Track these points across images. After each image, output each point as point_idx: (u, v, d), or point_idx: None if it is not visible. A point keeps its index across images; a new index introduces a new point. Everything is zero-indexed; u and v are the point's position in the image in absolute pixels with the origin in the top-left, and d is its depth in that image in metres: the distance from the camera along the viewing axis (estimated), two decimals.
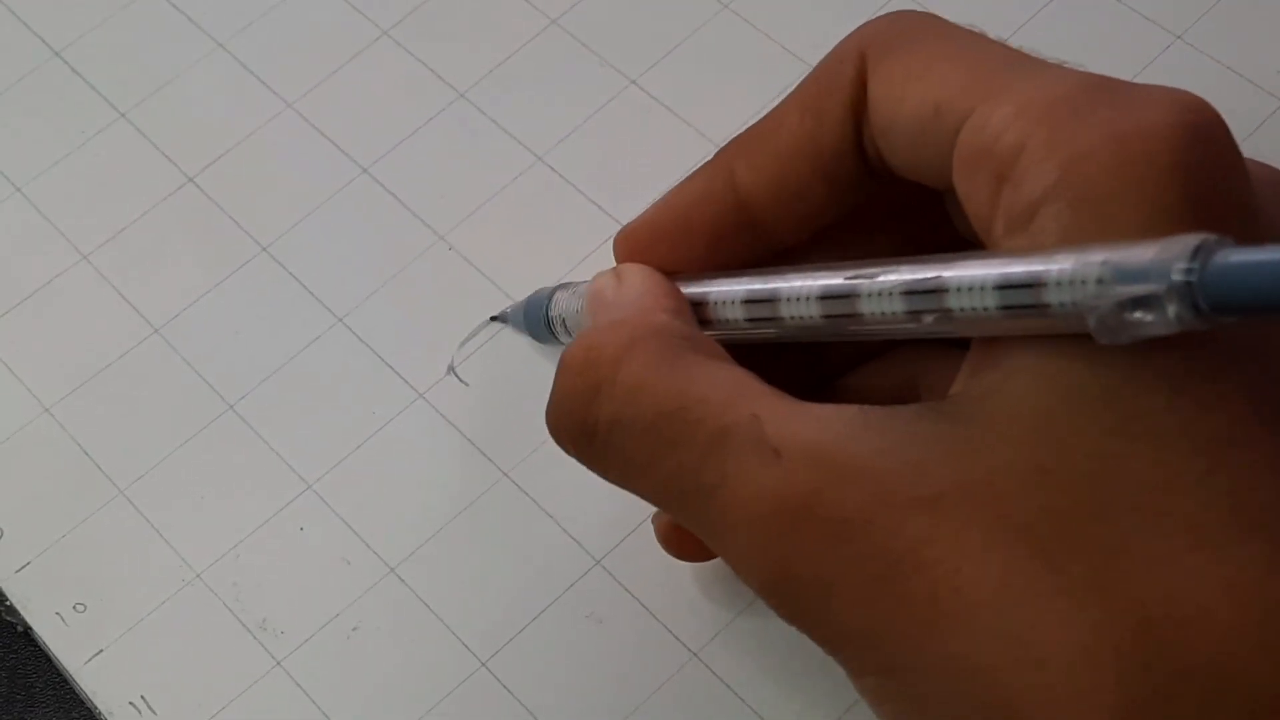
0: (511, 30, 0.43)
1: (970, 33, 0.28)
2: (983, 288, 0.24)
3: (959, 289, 0.24)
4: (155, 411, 0.38)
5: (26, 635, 0.36)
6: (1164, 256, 0.21)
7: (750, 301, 0.29)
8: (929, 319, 0.25)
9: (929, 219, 0.29)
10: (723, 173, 0.30)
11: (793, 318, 0.28)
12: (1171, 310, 0.21)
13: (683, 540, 0.32)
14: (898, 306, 0.26)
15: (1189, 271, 0.21)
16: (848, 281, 0.26)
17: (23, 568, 0.36)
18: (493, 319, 0.38)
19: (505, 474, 0.36)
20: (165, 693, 0.34)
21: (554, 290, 0.35)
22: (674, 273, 0.31)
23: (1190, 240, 0.21)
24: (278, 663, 0.35)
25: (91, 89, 0.43)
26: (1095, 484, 0.23)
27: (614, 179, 0.40)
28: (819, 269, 0.27)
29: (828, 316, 0.27)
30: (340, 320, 0.39)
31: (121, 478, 0.37)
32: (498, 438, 0.37)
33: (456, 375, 0.38)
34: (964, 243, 0.27)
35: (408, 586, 0.35)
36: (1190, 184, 0.23)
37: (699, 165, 0.31)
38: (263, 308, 0.39)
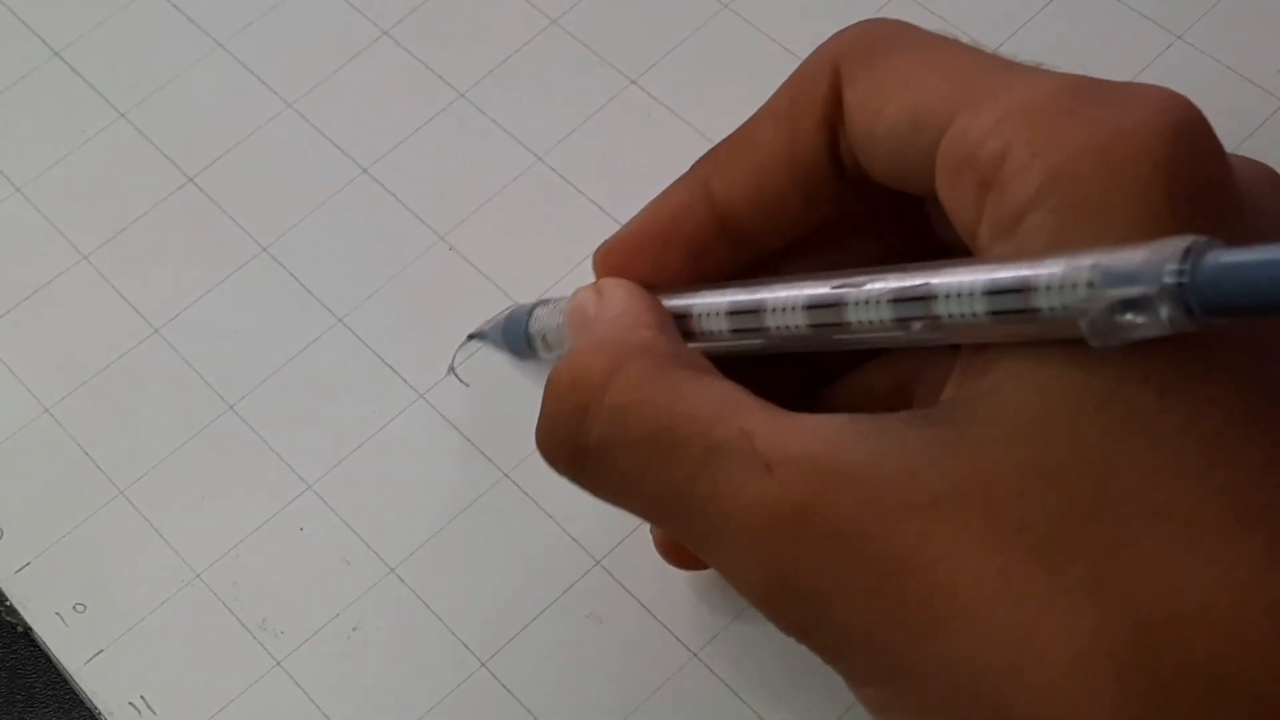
0: (511, 30, 0.43)
1: (945, 39, 0.28)
2: (971, 294, 0.24)
3: (947, 295, 0.24)
4: (155, 411, 0.38)
5: (26, 635, 0.36)
6: (1154, 259, 0.21)
7: (735, 313, 0.29)
8: (917, 326, 0.25)
9: (910, 225, 0.29)
10: (698, 186, 0.30)
11: (779, 328, 0.28)
12: (1164, 312, 0.21)
13: (682, 550, 0.32)
14: (885, 315, 0.25)
15: (1180, 273, 0.21)
16: (834, 291, 0.26)
17: (23, 568, 0.36)
18: (470, 337, 0.38)
19: (505, 474, 0.36)
20: (165, 693, 0.34)
21: (533, 306, 0.35)
22: (655, 287, 0.31)
23: (1180, 242, 0.21)
24: (278, 663, 0.35)
25: (91, 89, 0.43)
26: (1091, 484, 0.23)
27: (614, 179, 0.40)
28: (805, 279, 0.27)
29: (814, 326, 0.27)
30: (340, 320, 0.39)
31: (121, 478, 0.37)
32: (498, 438, 0.37)
33: (456, 375, 0.38)
34: (946, 249, 0.27)
35: (408, 586, 0.35)
36: (1174, 183, 0.23)
37: (675, 179, 0.31)
38: (263, 308, 0.39)
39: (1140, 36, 0.40)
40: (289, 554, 0.36)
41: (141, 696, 0.34)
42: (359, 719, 0.34)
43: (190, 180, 0.41)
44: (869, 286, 0.26)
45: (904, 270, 0.25)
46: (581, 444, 0.27)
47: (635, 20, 0.42)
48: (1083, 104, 0.24)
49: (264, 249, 0.40)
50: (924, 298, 0.25)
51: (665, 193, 0.31)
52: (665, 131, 0.40)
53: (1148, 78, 0.39)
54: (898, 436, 0.24)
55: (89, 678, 0.35)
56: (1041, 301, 0.23)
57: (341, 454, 0.37)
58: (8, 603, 0.36)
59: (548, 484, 0.36)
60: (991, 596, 0.23)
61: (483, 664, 0.34)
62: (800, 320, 0.27)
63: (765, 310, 0.28)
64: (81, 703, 0.35)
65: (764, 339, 0.28)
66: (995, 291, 0.23)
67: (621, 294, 0.30)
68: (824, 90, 0.28)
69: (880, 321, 0.26)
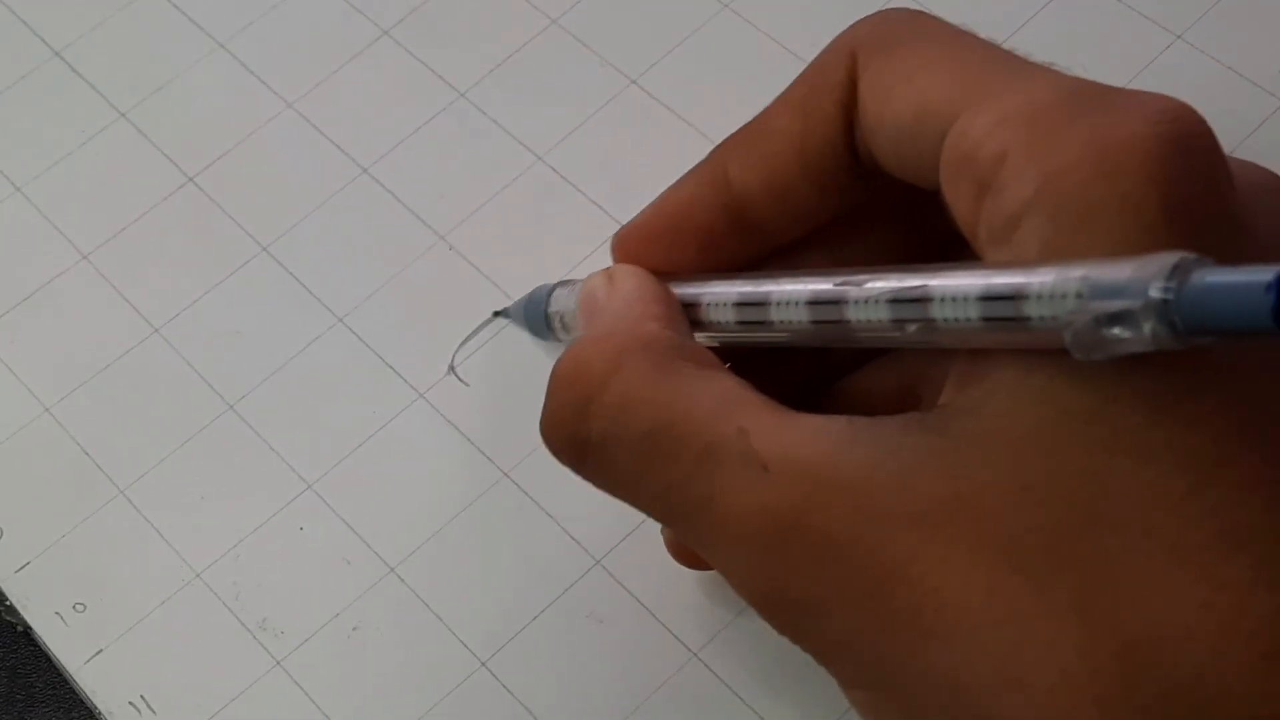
0: (511, 30, 0.43)
1: (960, 33, 0.28)
2: (966, 298, 0.24)
3: (943, 299, 0.24)
4: (155, 411, 0.38)
5: (26, 635, 0.36)
6: (1141, 274, 0.21)
7: (742, 304, 0.29)
8: (912, 328, 0.25)
9: (925, 216, 0.29)
10: (715, 173, 0.30)
11: (782, 322, 0.28)
12: (1147, 328, 0.21)
13: (691, 551, 0.32)
14: (883, 314, 0.25)
15: (1166, 290, 0.21)
16: (836, 288, 0.26)
17: (23, 568, 0.36)
18: (496, 314, 0.38)
19: (505, 474, 0.36)
20: (165, 693, 0.34)
21: (554, 287, 0.35)
22: (669, 274, 0.31)
23: (1169, 258, 0.21)
24: (278, 663, 0.35)
25: (91, 89, 0.43)
26: (1079, 501, 0.23)
27: (614, 179, 0.40)
28: (810, 274, 0.27)
29: (816, 322, 0.27)
30: (340, 320, 0.39)
31: (121, 478, 0.37)
32: (498, 438, 0.37)
33: (456, 375, 0.38)
34: (959, 241, 0.27)
35: (408, 586, 0.35)
36: (1170, 195, 0.23)
37: (692, 166, 0.31)
38: (263, 308, 0.39)
39: (1140, 36, 0.40)
40: (289, 554, 0.36)
41: (141, 696, 0.34)
42: (359, 719, 0.34)
43: (190, 180, 0.41)
44: (869, 285, 0.26)
45: (905, 270, 0.25)
46: (582, 438, 0.27)
47: (635, 20, 0.42)
48: (1083, 110, 0.24)
49: (264, 249, 0.40)
50: (921, 299, 0.25)
51: (680, 181, 0.31)
52: (665, 131, 0.40)
53: (1148, 77, 0.39)
54: (893, 443, 0.24)
55: (89, 677, 0.35)
56: (1031, 310, 0.23)
57: (341, 454, 0.37)
58: (8, 602, 0.36)
59: (548, 484, 0.36)
60: (978, 611, 0.23)
61: (483, 664, 0.34)
62: (803, 315, 0.27)
63: (770, 304, 0.28)
64: (81, 702, 0.35)
65: (769, 332, 0.28)
66: (989, 298, 0.23)
67: (632, 282, 0.30)
68: (840, 79, 0.28)
69: (879, 321, 0.26)
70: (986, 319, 0.24)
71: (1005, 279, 0.23)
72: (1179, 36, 0.40)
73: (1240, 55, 0.40)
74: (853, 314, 0.26)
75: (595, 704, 0.33)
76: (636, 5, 0.43)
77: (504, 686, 0.34)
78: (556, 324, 0.35)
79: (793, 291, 0.28)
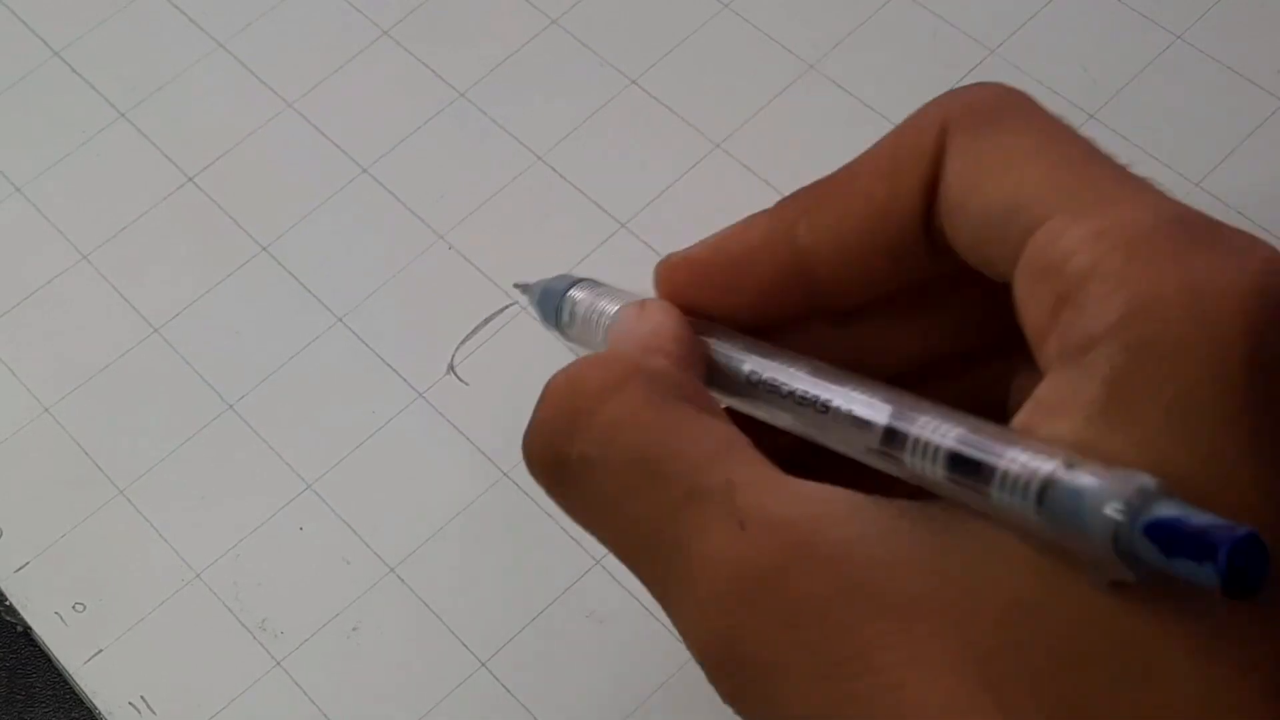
0: (511, 30, 0.43)
1: (1055, 123, 0.26)
2: (938, 450, 0.24)
3: (914, 449, 0.24)
4: (155, 411, 0.38)
5: (26, 635, 0.36)
6: (1102, 489, 0.21)
7: (748, 382, 0.28)
8: (874, 457, 0.25)
9: (994, 303, 0.27)
10: (784, 225, 0.29)
11: (769, 408, 0.28)
12: (1099, 547, 0.21)
13: None
14: (852, 439, 0.25)
15: (1121, 513, 0.21)
16: (816, 391, 0.26)
17: (22, 567, 0.36)
18: (516, 285, 0.38)
19: (505, 474, 0.36)
20: (165, 693, 0.34)
21: (577, 280, 0.35)
22: (715, 316, 0.30)
23: (1135, 481, 0.21)
24: (278, 663, 0.35)
25: (91, 89, 0.43)
26: (1068, 632, 0.22)
27: (614, 179, 0.40)
28: (813, 369, 0.27)
29: (799, 420, 0.27)
30: (340, 320, 0.39)
31: (121, 477, 0.37)
32: (498, 438, 0.37)
33: (456, 375, 0.38)
34: (1021, 336, 0.26)
35: (408, 586, 0.35)
36: (1259, 351, 0.22)
37: (758, 211, 0.29)
38: (263, 308, 0.39)
39: (1140, 36, 0.40)
40: (289, 554, 0.36)
41: (141, 696, 0.34)
42: (359, 719, 0.34)
43: (190, 180, 0.41)
44: (849, 398, 0.26)
45: (890, 393, 0.25)
46: (562, 454, 0.26)
47: (635, 20, 0.42)
48: (1184, 244, 0.23)
49: (264, 249, 0.40)
50: (900, 435, 0.25)
51: (745, 223, 0.29)
52: (665, 131, 0.40)
53: (1148, 77, 0.39)
54: (890, 527, 0.24)
55: (89, 677, 0.35)
56: (994, 492, 0.22)
57: (341, 454, 0.37)
58: (7, 602, 0.36)
59: None
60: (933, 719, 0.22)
61: (483, 664, 0.34)
62: (789, 409, 0.27)
63: (767, 385, 0.28)
64: (81, 702, 0.35)
65: (763, 412, 0.28)
66: (958, 461, 0.23)
67: (658, 317, 0.29)
68: (928, 151, 0.27)
69: (848, 442, 0.26)
70: (951, 480, 0.23)
71: (979, 453, 0.23)
72: (1179, 36, 0.40)
73: (1240, 55, 0.40)
74: (827, 425, 0.26)
75: (595, 704, 0.33)
76: (636, 5, 0.43)
77: (504, 686, 0.34)
78: (564, 317, 0.35)
79: (787, 382, 0.27)
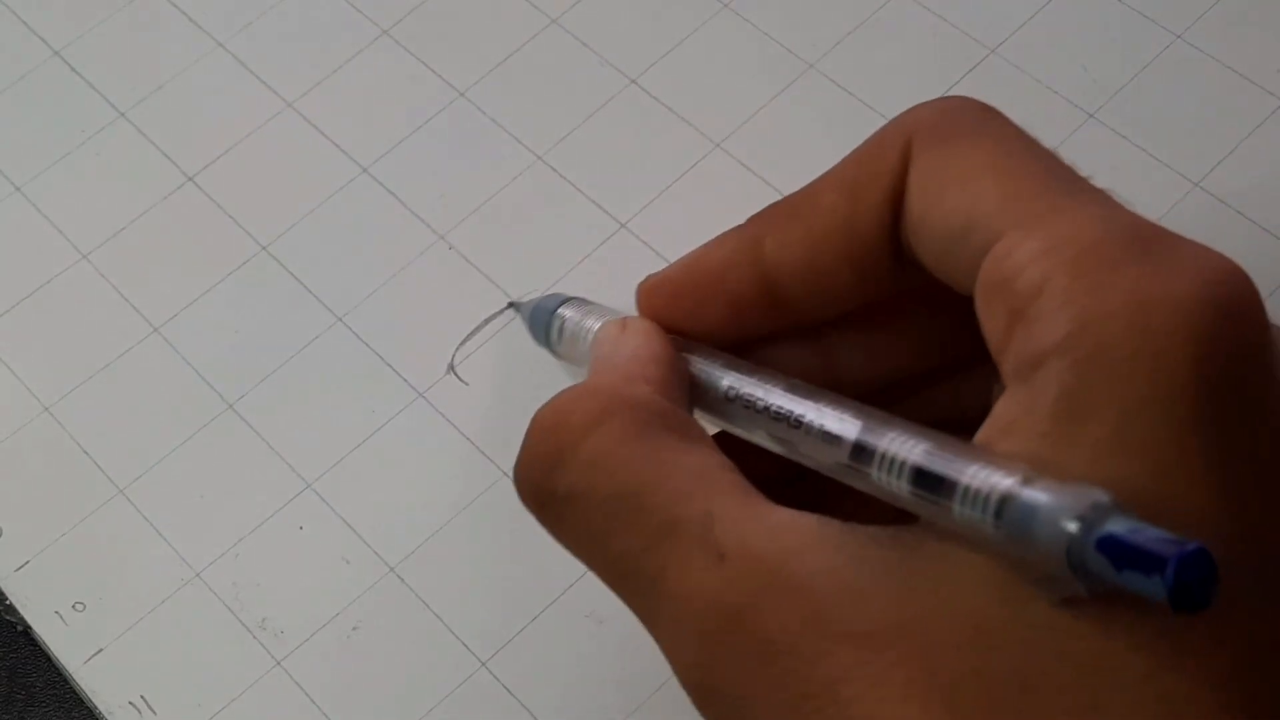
0: (511, 30, 0.43)
1: (1020, 136, 0.26)
2: (904, 465, 0.24)
3: (880, 463, 0.24)
4: (155, 411, 0.38)
5: (26, 635, 0.36)
6: (1056, 506, 0.21)
7: (729, 399, 0.28)
8: (845, 473, 0.25)
9: (961, 316, 0.27)
10: (750, 243, 0.29)
11: (746, 423, 0.28)
12: (1053, 563, 0.21)
13: None
14: (823, 454, 0.26)
15: (1075, 528, 0.21)
16: (790, 406, 0.27)
17: (22, 567, 0.36)
18: (510, 304, 0.38)
19: (505, 474, 0.36)
20: (165, 692, 0.34)
21: (567, 299, 0.35)
22: (692, 333, 0.30)
23: (1090, 496, 0.21)
24: (278, 663, 0.35)
25: (91, 89, 0.43)
26: (1032, 658, 0.22)
27: (614, 179, 0.40)
28: (789, 385, 0.27)
29: (773, 436, 0.27)
30: (340, 320, 0.39)
31: (121, 477, 0.37)
32: (498, 438, 0.37)
33: (456, 375, 0.38)
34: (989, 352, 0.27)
35: (408, 586, 0.35)
36: (1206, 363, 0.22)
37: (729, 229, 0.30)
38: (262, 307, 0.39)
39: (1140, 36, 0.40)
40: (289, 553, 0.36)
41: (141, 696, 0.34)
42: (359, 719, 0.34)
43: (190, 180, 0.41)
44: (821, 415, 0.26)
45: (861, 412, 0.25)
46: (550, 490, 0.27)
47: (635, 20, 0.42)
48: (1131, 256, 0.23)
49: (264, 248, 0.40)
50: (867, 450, 0.25)
51: (716, 241, 0.30)
52: (665, 131, 0.40)
53: (1148, 77, 0.39)
54: (858, 553, 0.24)
55: (89, 677, 0.35)
56: (956, 507, 0.23)
57: (341, 453, 0.37)
58: (7, 602, 0.36)
59: None
60: None
61: (483, 664, 0.34)
62: (763, 425, 0.27)
63: (743, 401, 0.28)
64: (81, 702, 0.35)
65: (742, 430, 0.28)
66: (920, 476, 0.23)
67: (640, 338, 0.29)
68: (892, 165, 0.27)
69: (825, 461, 0.26)
70: (915, 495, 0.23)
71: (938, 466, 0.23)
72: (1179, 36, 0.40)
73: (1240, 55, 0.40)
74: (802, 440, 0.26)
75: (595, 704, 0.33)
76: (636, 5, 0.43)
77: (504, 686, 0.34)
78: (553, 336, 0.35)
79: (763, 396, 0.27)
